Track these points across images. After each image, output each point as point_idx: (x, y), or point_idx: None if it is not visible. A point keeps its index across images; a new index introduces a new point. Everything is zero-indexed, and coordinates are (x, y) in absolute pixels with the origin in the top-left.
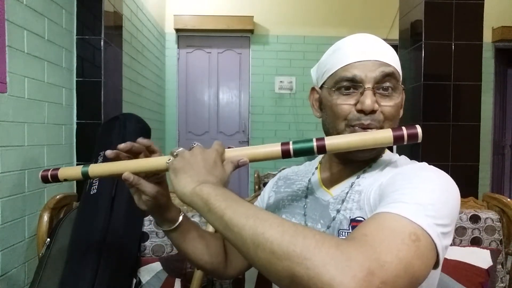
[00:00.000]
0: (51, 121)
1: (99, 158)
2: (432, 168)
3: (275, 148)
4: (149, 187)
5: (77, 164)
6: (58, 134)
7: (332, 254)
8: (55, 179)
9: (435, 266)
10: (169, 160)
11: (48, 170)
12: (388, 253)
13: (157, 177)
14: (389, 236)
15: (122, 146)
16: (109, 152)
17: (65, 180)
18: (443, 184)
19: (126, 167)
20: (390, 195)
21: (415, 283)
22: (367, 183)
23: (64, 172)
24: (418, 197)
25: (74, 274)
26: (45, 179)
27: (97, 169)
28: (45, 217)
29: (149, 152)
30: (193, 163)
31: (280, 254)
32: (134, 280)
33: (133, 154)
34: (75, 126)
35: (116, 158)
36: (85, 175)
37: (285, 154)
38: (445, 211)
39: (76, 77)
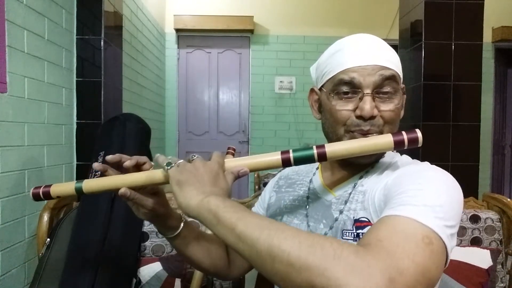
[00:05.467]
0: (51, 121)
1: (99, 158)
2: (436, 168)
3: (275, 157)
4: (146, 200)
5: (77, 164)
6: (58, 134)
7: (351, 263)
8: (47, 196)
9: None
10: (167, 167)
11: (40, 187)
12: (405, 258)
13: (153, 187)
14: (403, 240)
15: (109, 157)
16: (96, 165)
17: (58, 197)
18: (448, 184)
19: (122, 182)
20: (397, 197)
21: (431, 287)
22: (371, 184)
23: (57, 188)
24: (426, 199)
25: (74, 274)
26: (36, 197)
27: (92, 184)
28: (45, 217)
29: (137, 166)
30: (197, 175)
31: (299, 266)
32: (134, 280)
33: (124, 169)
34: (75, 126)
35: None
36: (79, 191)
37: (286, 162)
38: (451, 212)
39: (76, 77)
